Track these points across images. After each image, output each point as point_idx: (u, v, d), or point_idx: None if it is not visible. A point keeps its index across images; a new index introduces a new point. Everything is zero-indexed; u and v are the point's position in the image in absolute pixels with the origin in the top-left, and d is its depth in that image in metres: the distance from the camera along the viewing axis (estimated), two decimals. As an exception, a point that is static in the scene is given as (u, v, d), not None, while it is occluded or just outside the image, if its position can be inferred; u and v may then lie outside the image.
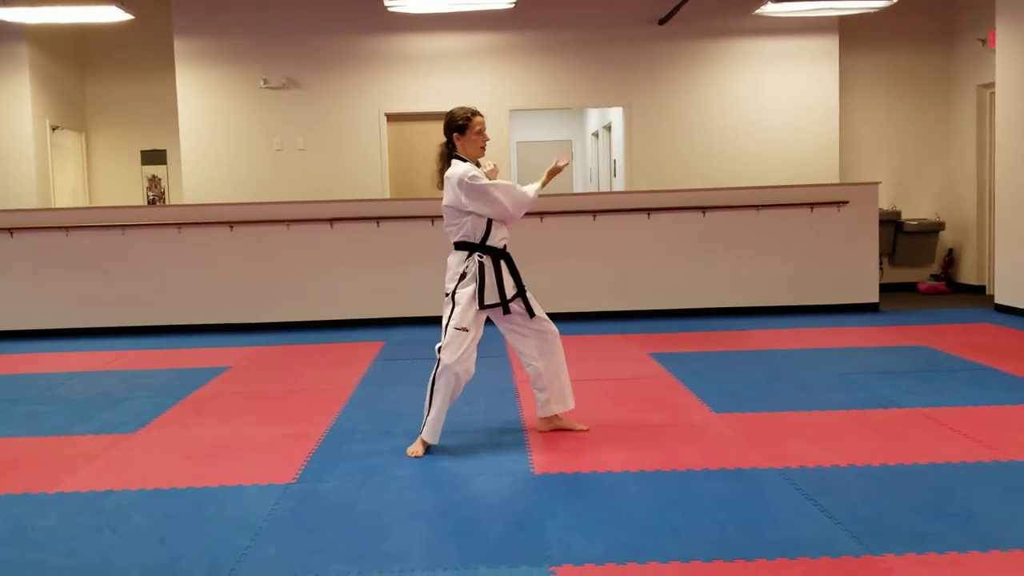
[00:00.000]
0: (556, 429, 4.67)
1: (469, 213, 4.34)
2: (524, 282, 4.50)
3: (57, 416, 5.32)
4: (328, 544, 3.25)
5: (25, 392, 6.05)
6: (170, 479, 4.04)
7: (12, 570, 3.10)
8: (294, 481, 3.98)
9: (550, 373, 4.54)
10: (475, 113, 4.41)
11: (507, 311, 4.42)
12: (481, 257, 4.38)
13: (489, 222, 4.36)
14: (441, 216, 4.51)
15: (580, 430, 4.66)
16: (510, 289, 4.42)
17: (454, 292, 4.40)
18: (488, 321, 4.48)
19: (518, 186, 4.45)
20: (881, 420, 4.75)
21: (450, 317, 4.36)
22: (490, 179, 4.35)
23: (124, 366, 6.93)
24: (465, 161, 4.38)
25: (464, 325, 4.33)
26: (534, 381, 4.58)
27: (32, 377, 6.63)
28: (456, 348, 4.30)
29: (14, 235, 8.49)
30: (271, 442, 4.63)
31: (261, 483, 3.94)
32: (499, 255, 4.42)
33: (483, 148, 4.42)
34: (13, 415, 5.40)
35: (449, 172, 4.37)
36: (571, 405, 4.64)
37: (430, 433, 4.37)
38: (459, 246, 4.41)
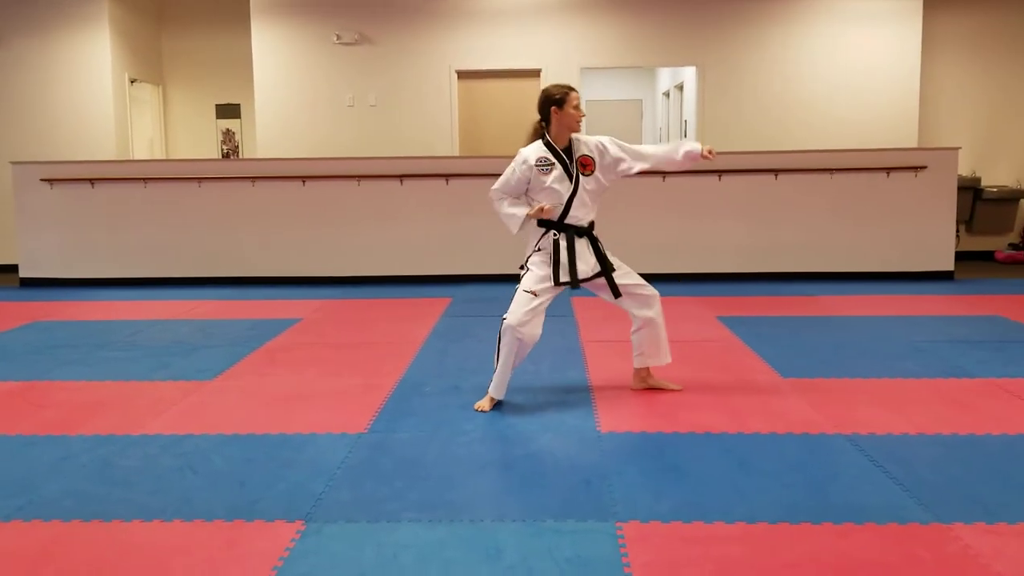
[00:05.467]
0: (648, 388, 4.71)
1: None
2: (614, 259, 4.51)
3: (138, 362, 5.51)
4: (400, 492, 3.34)
5: (108, 338, 6.27)
6: (247, 425, 4.18)
7: (101, 505, 3.26)
8: (366, 431, 4.08)
9: (650, 327, 4.55)
10: (571, 88, 4.41)
11: (576, 286, 4.43)
12: (556, 235, 4.40)
13: (569, 200, 4.37)
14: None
15: (673, 389, 4.69)
16: (590, 268, 4.42)
17: (527, 261, 4.46)
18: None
19: (506, 207, 4.42)
20: (952, 389, 4.69)
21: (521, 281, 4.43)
22: (534, 213, 4.33)
23: (200, 315, 7.13)
24: (543, 143, 4.40)
25: (533, 289, 4.37)
26: (634, 331, 4.60)
27: (113, 324, 6.86)
28: (519, 309, 4.34)
29: (95, 185, 8.75)
30: (343, 392, 4.75)
31: (334, 432, 4.06)
32: (578, 232, 4.42)
33: (579, 123, 4.43)
34: (98, 359, 5.61)
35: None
36: (667, 359, 4.63)
37: (496, 388, 4.45)
38: (539, 221, 4.45)
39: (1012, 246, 10.19)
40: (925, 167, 8.43)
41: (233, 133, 11.06)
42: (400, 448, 3.86)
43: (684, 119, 11.67)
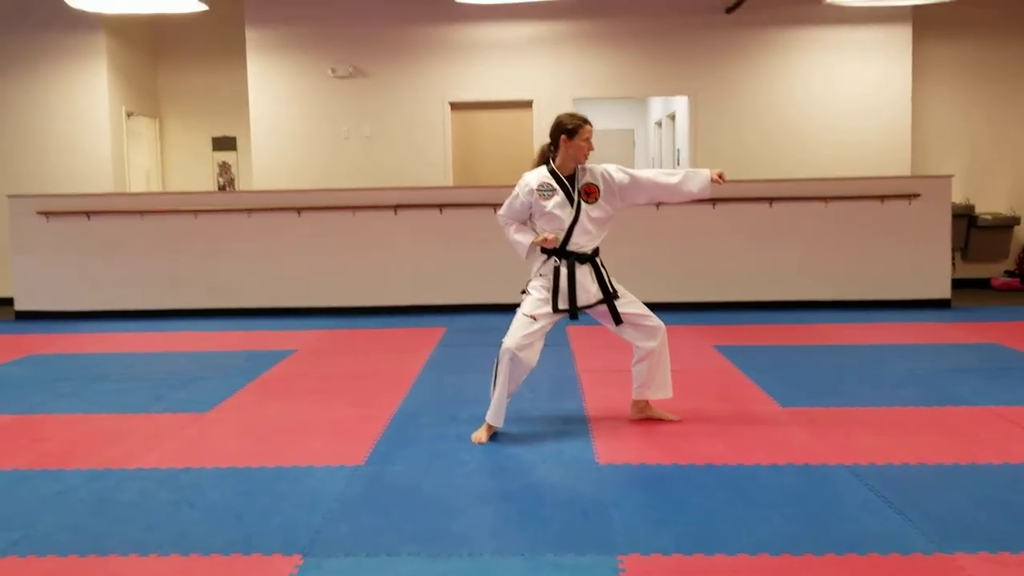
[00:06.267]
0: (646, 418, 4.69)
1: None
2: (619, 286, 4.50)
3: (134, 394, 5.49)
4: (398, 525, 3.32)
5: (104, 371, 6.24)
6: (244, 458, 4.15)
7: (98, 540, 3.22)
8: (363, 463, 4.06)
9: (652, 358, 4.53)
10: (586, 121, 4.42)
11: (574, 317, 4.43)
12: (557, 261, 4.40)
13: (571, 227, 4.38)
14: (502, 204, 4.58)
15: (672, 420, 4.67)
16: (591, 296, 4.42)
17: (527, 285, 4.47)
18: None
19: (513, 233, 4.47)
20: (952, 418, 4.68)
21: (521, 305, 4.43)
22: (538, 241, 4.36)
23: (196, 347, 7.11)
24: (546, 169, 4.42)
25: (532, 313, 4.37)
26: (636, 361, 4.59)
27: (109, 356, 6.83)
28: (518, 333, 4.34)
29: (91, 218, 8.75)
30: (339, 424, 4.73)
31: (331, 464, 4.03)
32: (580, 259, 4.41)
33: (587, 156, 4.43)
34: (94, 392, 5.58)
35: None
36: (668, 393, 4.61)
37: (493, 415, 4.42)
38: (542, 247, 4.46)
39: (1008, 273, 10.22)
40: (919, 195, 8.47)
41: (229, 165, 11.08)
42: (397, 480, 3.84)
43: (677, 148, 11.73)
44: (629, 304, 4.51)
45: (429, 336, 7.39)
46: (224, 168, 11.09)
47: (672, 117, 12.15)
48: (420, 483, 3.79)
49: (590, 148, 4.43)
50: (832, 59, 10.02)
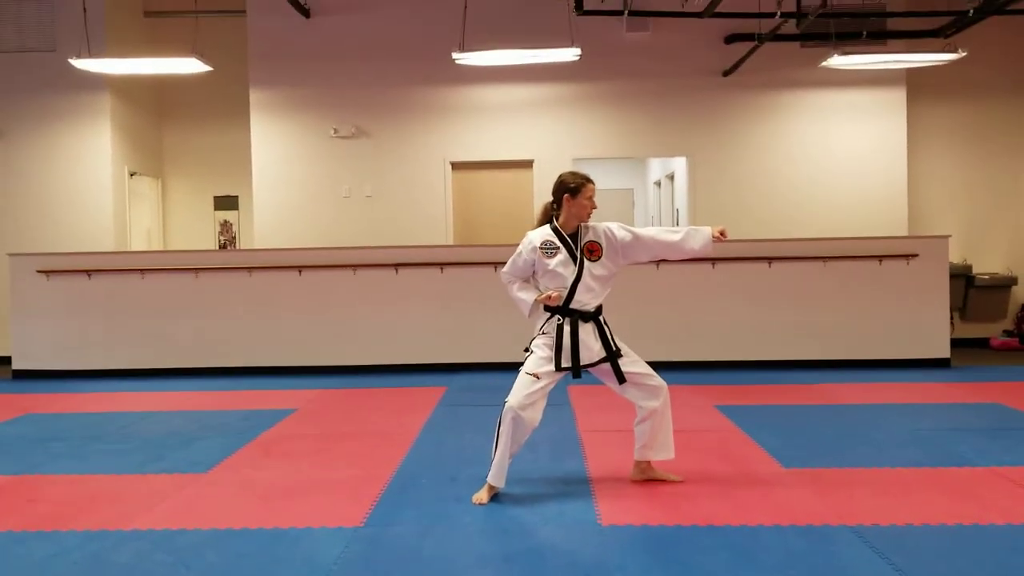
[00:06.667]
0: (648, 479, 4.65)
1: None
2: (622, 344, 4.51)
3: (132, 454, 5.45)
4: (397, 589, 3.28)
5: (101, 430, 6.20)
6: (242, 519, 4.11)
7: (92, 605, 3.18)
8: (362, 524, 4.02)
9: (655, 418, 4.52)
10: (589, 180, 4.49)
11: (577, 375, 4.43)
12: (560, 319, 4.42)
13: (574, 285, 4.40)
14: (503, 263, 4.62)
15: (674, 481, 4.64)
16: (594, 354, 4.43)
17: (531, 343, 4.48)
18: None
19: (516, 291, 4.52)
20: (954, 478, 4.65)
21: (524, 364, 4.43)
22: (542, 299, 4.40)
23: (194, 407, 7.08)
24: (550, 228, 4.47)
25: (535, 372, 4.37)
26: (638, 421, 4.58)
27: (106, 416, 6.79)
28: (521, 392, 4.34)
29: (92, 276, 8.77)
30: (338, 485, 4.69)
31: (330, 526, 3.99)
32: (583, 317, 4.43)
33: (589, 215, 4.48)
34: (90, 452, 5.54)
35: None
36: (671, 454, 4.59)
37: (495, 476, 4.39)
38: (545, 305, 4.47)
39: (1007, 333, 10.23)
40: (917, 255, 8.51)
41: (231, 224, 11.15)
42: (397, 542, 3.79)
43: (676, 208, 11.81)
44: (632, 363, 4.51)
45: (429, 395, 7.36)
46: (226, 227, 11.16)
47: (671, 177, 12.25)
48: (420, 545, 3.75)
49: (593, 207, 4.48)
50: (828, 121, 10.15)
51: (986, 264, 10.40)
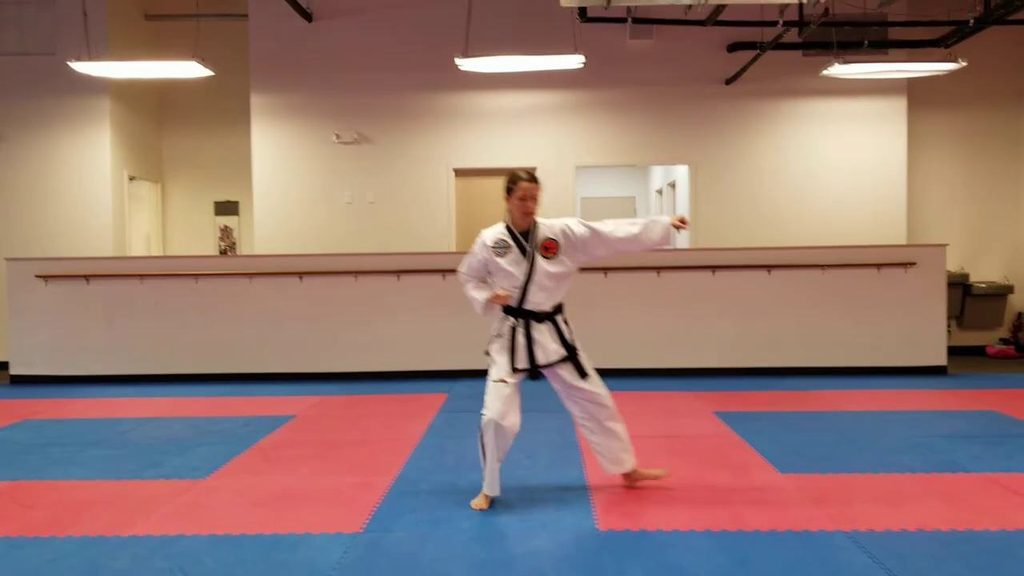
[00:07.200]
0: (636, 484, 4.66)
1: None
2: (578, 344, 4.48)
3: (130, 460, 5.45)
4: (395, 594, 3.28)
5: (98, 436, 6.21)
6: (240, 525, 4.12)
7: (90, 609, 3.19)
8: (361, 530, 4.03)
9: (601, 436, 4.52)
10: (523, 178, 4.41)
11: (535, 377, 4.41)
12: (514, 320, 4.40)
13: (525, 284, 4.37)
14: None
15: (657, 476, 4.64)
16: (551, 354, 4.40)
17: (488, 346, 4.48)
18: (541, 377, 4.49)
19: (471, 289, 4.48)
20: (949, 485, 4.66)
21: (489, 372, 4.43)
22: (491, 298, 4.37)
23: (194, 413, 7.08)
24: (503, 226, 4.46)
25: (502, 377, 4.36)
26: (588, 433, 4.57)
27: (105, 422, 6.80)
28: (496, 401, 4.33)
29: (90, 282, 8.78)
30: (338, 491, 4.70)
31: (329, 531, 4.00)
32: (539, 318, 4.40)
33: (527, 215, 4.40)
34: (88, 458, 5.54)
35: None
36: (626, 468, 4.59)
37: (488, 486, 4.40)
38: (502, 306, 4.46)
39: (1003, 341, 10.24)
40: (915, 263, 8.53)
41: (231, 230, 11.16)
42: (396, 547, 3.80)
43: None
44: (588, 367, 4.47)
45: (431, 402, 7.37)
46: (226, 232, 11.17)
47: (673, 185, 12.28)
48: (419, 550, 3.76)
49: (532, 204, 4.38)
50: (829, 130, 10.17)
51: (983, 273, 10.42)
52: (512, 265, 4.37)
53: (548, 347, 4.39)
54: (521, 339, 4.37)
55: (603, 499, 4.47)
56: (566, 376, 4.45)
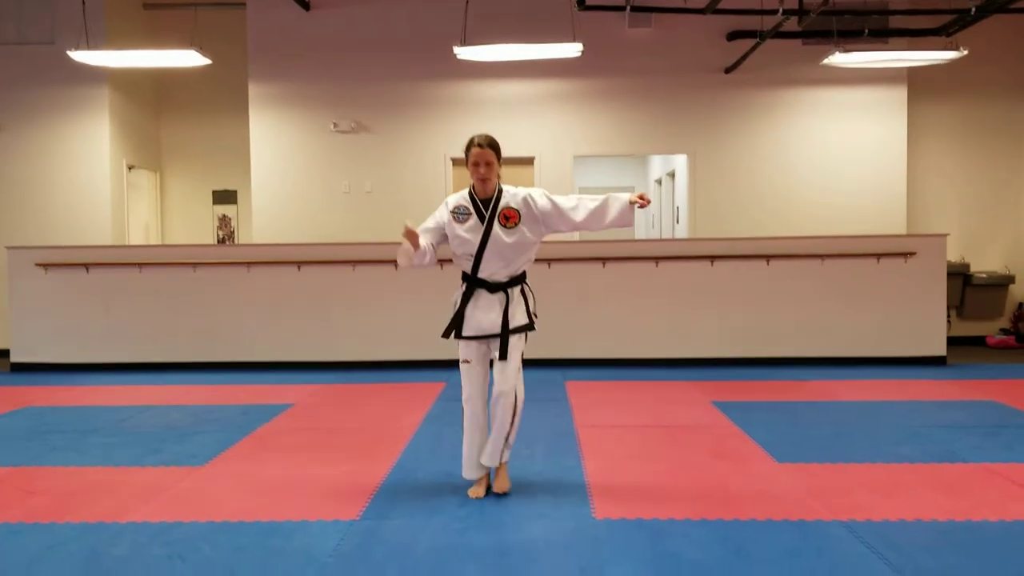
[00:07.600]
0: (488, 484, 4.48)
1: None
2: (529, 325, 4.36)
3: (128, 448, 5.46)
4: (392, 581, 3.29)
5: (98, 423, 6.22)
6: (238, 512, 4.12)
7: (87, 596, 3.19)
8: (358, 518, 4.03)
9: (495, 423, 4.38)
10: (477, 144, 4.31)
11: (458, 335, 4.29)
12: (464, 288, 4.36)
13: (479, 251, 4.29)
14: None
15: (495, 492, 4.41)
16: (490, 325, 4.28)
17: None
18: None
19: (404, 248, 4.30)
20: (948, 475, 4.67)
21: None
22: (405, 233, 4.21)
23: (192, 401, 7.09)
24: (467, 192, 4.39)
25: (465, 357, 4.36)
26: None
27: (104, 409, 6.81)
28: (466, 384, 4.37)
29: (89, 270, 8.78)
30: (335, 478, 4.70)
31: (326, 519, 4.01)
32: (490, 288, 4.31)
33: (483, 180, 4.29)
34: (87, 446, 5.55)
35: None
36: (492, 464, 4.40)
37: (465, 468, 4.43)
38: (462, 274, 4.41)
39: (1003, 331, 10.25)
40: (915, 253, 8.52)
41: (229, 219, 11.16)
42: (393, 535, 3.81)
43: (676, 206, 11.82)
44: (512, 354, 4.30)
45: (428, 391, 7.37)
46: (224, 221, 11.16)
47: (672, 175, 12.26)
48: (415, 538, 3.76)
49: (485, 169, 4.27)
50: (829, 119, 10.15)
51: (983, 263, 10.42)
52: (469, 232, 4.29)
53: (482, 320, 4.29)
54: (466, 308, 4.31)
55: (600, 488, 4.48)
56: (493, 349, 4.37)
